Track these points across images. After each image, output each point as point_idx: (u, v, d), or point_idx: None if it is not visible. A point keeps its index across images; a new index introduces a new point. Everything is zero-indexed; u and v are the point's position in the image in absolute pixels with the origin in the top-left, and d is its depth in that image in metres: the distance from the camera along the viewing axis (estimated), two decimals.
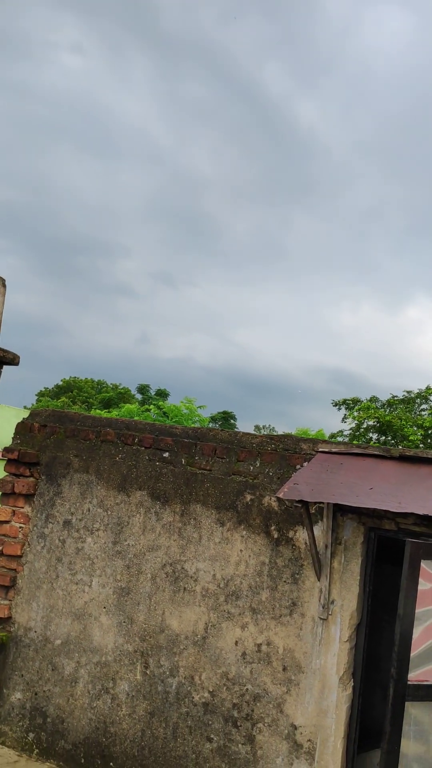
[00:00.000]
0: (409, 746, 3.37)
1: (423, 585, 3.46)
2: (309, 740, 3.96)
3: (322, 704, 3.97)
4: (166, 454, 4.73)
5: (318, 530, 4.12)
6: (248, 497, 4.39)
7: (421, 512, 3.37)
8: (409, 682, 3.33)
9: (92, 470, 4.94)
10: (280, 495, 3.69)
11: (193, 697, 4.33)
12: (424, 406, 26.27)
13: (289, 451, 4.42)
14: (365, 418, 24.89)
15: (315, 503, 4.10)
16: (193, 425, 15.63)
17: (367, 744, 4.64)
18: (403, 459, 4.08)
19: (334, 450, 4.28)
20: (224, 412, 32.59)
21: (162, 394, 33.66)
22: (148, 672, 4.49)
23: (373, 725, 4.94)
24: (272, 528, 4.28)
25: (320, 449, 4.33)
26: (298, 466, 4.32)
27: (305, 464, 4.26)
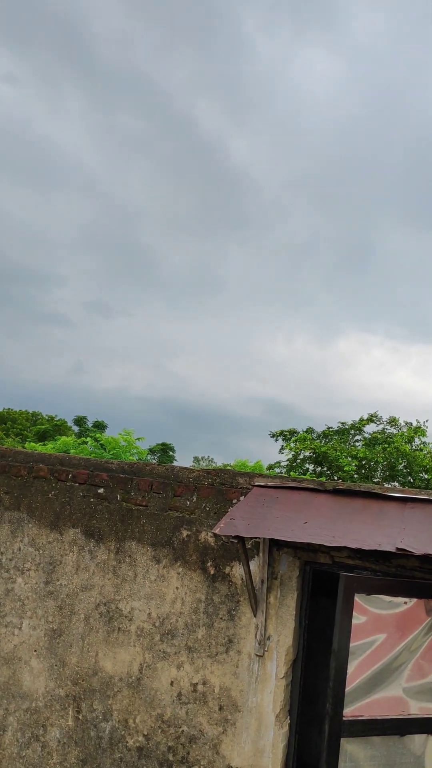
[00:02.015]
0: None
1: (357, 619, 3.48)
2: None
3: (259, 743, 3.92)
4: (101, 490, 4.65)
5: (254, 565, 4.11)
6: (185, 533, 4.35)
7: (353, 546, 3.42)
8: (344, 718, 3.33)
9: (24, 507, 4.80)
10: (217, 531, 3.67)
11: (127, 742, 4.20)
12: (357, 437, 26.82)
13: (225, 486, 4.42)
14: (302, 449, 25.22)
15: (251, 538, 4.10)
16: (131, 458, 15.46)
17: None
18: (336, 492, 4.14)
19: (270, 484, 4.30)
20: (163, 444, 32.26)
21: (99, 426, 33.13)
22: (80, 717, 4.34)
23: (311, 761, 4.91)
24: (209, 564, 4.25)
25: (256, 483, 4.34)
26: (234, 501, 4.32)
27: (242, 498, 4.27)
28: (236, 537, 3.78)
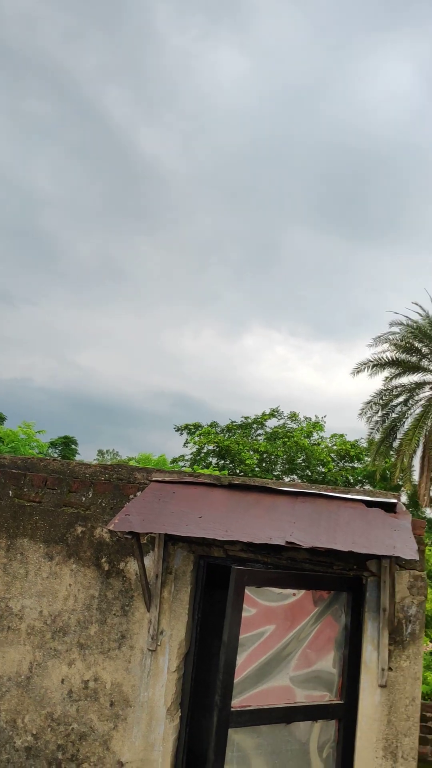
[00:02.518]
0: None
1: (247, 611, 3.56)
2: None
3: (150, 737, 3.94)
4: None
5: (149, 560, 4.12)
6: (79, 529, 4.29)
7: (245, 539, 3.49)
8: (233, 709, 3.40)
9: None
10: (111, 527, 3.64)
11: (14, 743, 4.10)
12: (259, 432, 27.43)
13: (123, 481, 4.39)
14: (205, 443, 25.51)
15: (146, 534, 4.10)
16: (30, 451, 15.03)
17: None
18: (231, 487, 4.22)
19: (167, 479, 4.31)
20: (65, 437, 31.59)
21: None
22: None
23: (202, 752, 4.98)
24: (103, 560, 4.21)
25: (154, 478, 4.34)
26: (131, 496, 4.30)
27: (139, 494, 4.26)
28: (130, 533, 3.77)
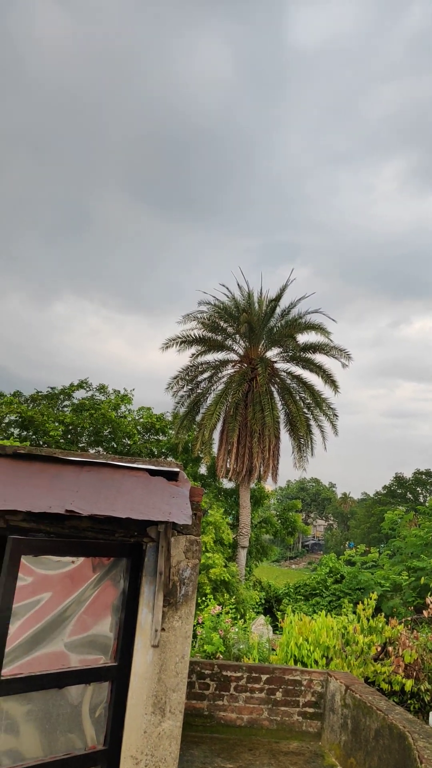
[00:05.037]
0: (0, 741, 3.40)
1: (23, 580, 3.53)
2: None
3: None
4: None
5: None
6: None
7: (23, 509, 3.44)
8: (2, 678, 3.36)
9: None
10: None
11: None
12: (66, 403, 26.93)
13: None
14: (7, 413, 24.47)
15: None
16: None
17: None
18: (16, 456, 4.11)
19: None
20: None
21: None
22: None
23: None
24: None
25: None
26: None
27: None
28: None
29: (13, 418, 24.79)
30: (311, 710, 6.32)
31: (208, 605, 12.29)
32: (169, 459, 25.15)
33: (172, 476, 4.23)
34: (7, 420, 24.64)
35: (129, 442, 25.17)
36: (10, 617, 3.42)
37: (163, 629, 4.00)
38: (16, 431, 25.14)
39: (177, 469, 4.25)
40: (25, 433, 24.77)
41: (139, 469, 4.18)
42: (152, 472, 4.19)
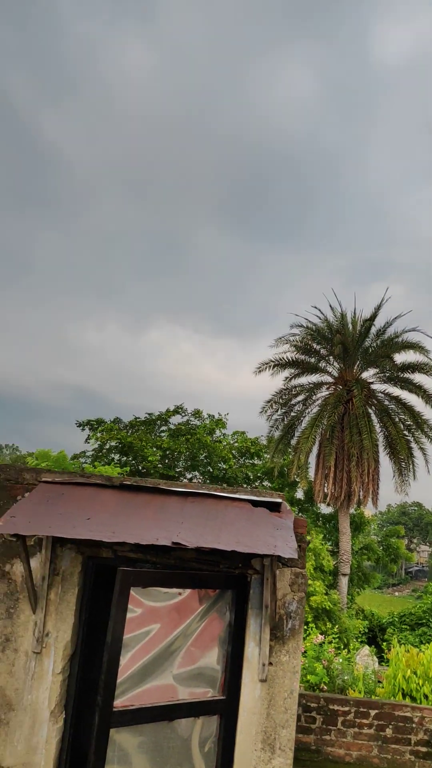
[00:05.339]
0: None
1: (133, 611, 3.60)
2: None
3: (32, 741, 3.89)
4: None
5: (36, 562, 4.06)
6: None
7: (132, 541, 3.52)
8: (115, 709, 3.43)
9: None
10: None
11: None
12: (163, 428, 27.43)
13: (10, 482, 4.30)
14: (108, 440, 25.22)
15: (33, 536, 4.04)
16: None
17: None
18: (123, 488, 4.23)
19: (57, 480, 4.26)
20: None
21: None
22: None
23: (85, 754, 4.96)
24: None
25: (43, 479, 4.28)
26: (19, 497, 4.22)
27: (27, 495, 4.18)
28: (15, 535, 3.71)
29: (113, 444, 25.53)
30: (424, 749, 6.03)
31: (310, 634, 12.03)
32: (269, 488, 25.03)
33: (274, 507, 4.21)
34: (108, 446, 25.40)
35: (225, 467, 25.27)
36: (121, 648, 3.49)
37: (270, 663, 3.95)
38: (117, 456, 25.85)
39: (279, 500, 4.22)
40: (124, 458, 25.42)
41: (242, 500, 4.18)
42: (255, 503, 4.18)
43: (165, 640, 3.73)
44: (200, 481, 25.54)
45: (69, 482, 4.25)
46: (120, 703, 3.47)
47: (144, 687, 3.60)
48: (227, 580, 4.00)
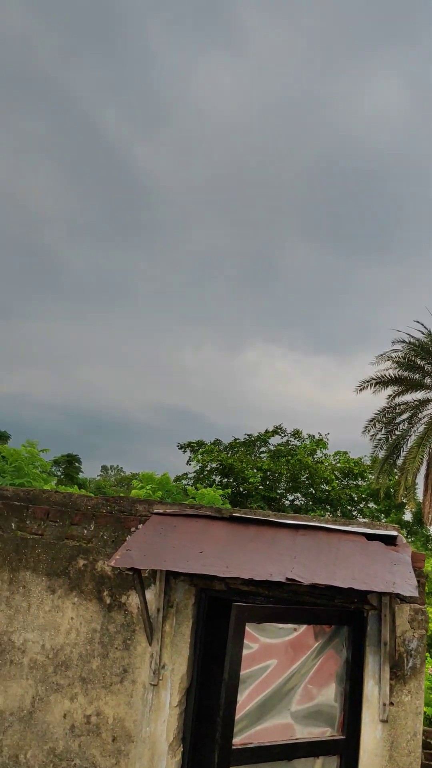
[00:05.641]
0: None
1: (248, 647, 3.57)
2: None
3: None
4: None
5: (150, 594, 4.13)
6: (81, 562, 4.31)
7: (246, 576, 3.51)
8: (234, 747, 3.40)
9: None
10: (112, 563, 3.67)
11: None
12: (263, 449, 27.41)
13: (124, 513, 4.41)
14: (209, 461, 25.50)
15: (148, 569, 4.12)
16: (34, 470, 15.06)
17: None
18: (233, 519, 4.24)
19: (168, 511, 4.34)
20: (68, 455, 31.66)
21: (2, 437, 32.10)
22: None
23: None
24: (105, 593, 4.23)
25: (155, 511, 4.37)
26: (133, 529, 4.32)
27: (140, 526, 4.28)
28: (132, 568, 3.79)
29: (214, 465, 25.77)
30: None
31: (426, 665, 11.51)
32: (375, 510, 24.38)
33: (389, 540, 4.07)
34: (209, 468, 25.67)
35: (327, 488, 24.85)
36: (239, 685, 3.47)
37: (391, 703, 3.80)
38: (218, 478, 26.05)
39: (395, 533, 4.08)
40: (225, 480, 25.57)
41: (356, 532, 4.08)
42: (369, 536, 4.07)
43: (281, 677, 3.68)
44: (302, 502, 25.24)
45: (180, 514, 4.31)
46: (239, 740, 3.44)
47: (262, 725, 3.56)
48: (343, 615, 3.90)
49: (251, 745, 3.46)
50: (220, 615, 5.30)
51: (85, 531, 4.39)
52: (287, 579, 3.47)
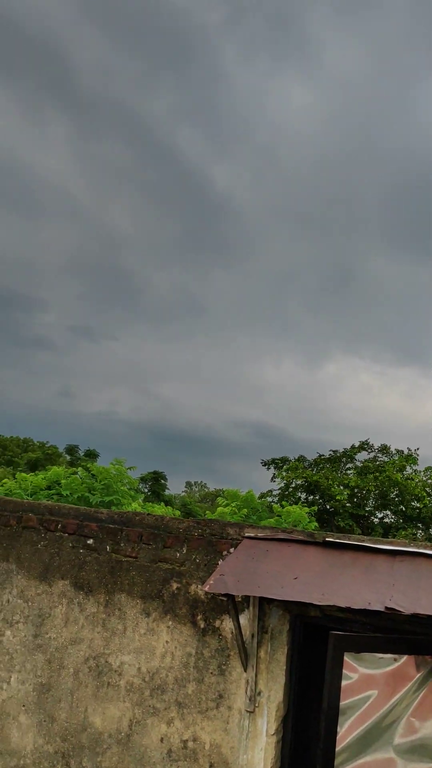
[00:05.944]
0: None
1: (347, 677, 3.47)
2: None
3: None
4: (90, 541, 4.64)
5: (244, 619, 4.10)
6: (174, 585, 4.34)
7: (342, 605, 3.42)
8: None
9: (12, 558, 4.78)
10: (206, 588, 3.67)
11: None
12: (349, 465, 26.84)
13: (215, 537, 4.41)
14: (293, 478, 25.21)
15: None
16: (122, 488, 15.39)
17: None
18: (326, 545, 4.15)
19: (260, 535, 4.30)
20: (154, 472, 32.15)
21: (91, 455, 33.00)
22: None
23: None
24: (198, 617, 4.23)
25: (246, 534, 4.34)
26: (225, 552, 4.31)
27: (232, 550, 4.27)
28: (226, 594, 3.77)
29: (299, 482, 25.45)
30: None
31: None
32: None
33: None
34: (294, 485, 25.38)
35: (418, 505, 24.01)
36: (338, 716, 3.37)
37: None
38: (303, 495, 25.71)
39: None
40: (311, 497, 25.20)
41: None
42: None
43: (382, 709, 3.55)
44: (392, 520, 24.50)
45: (272, 538, 4.26)
46: None
47: (364, 758, 3.44)
48: None
49: None
50: (315, 641, 5.19)
51: (178, 554, 4.41)
52: (386, 609, 3.36)
